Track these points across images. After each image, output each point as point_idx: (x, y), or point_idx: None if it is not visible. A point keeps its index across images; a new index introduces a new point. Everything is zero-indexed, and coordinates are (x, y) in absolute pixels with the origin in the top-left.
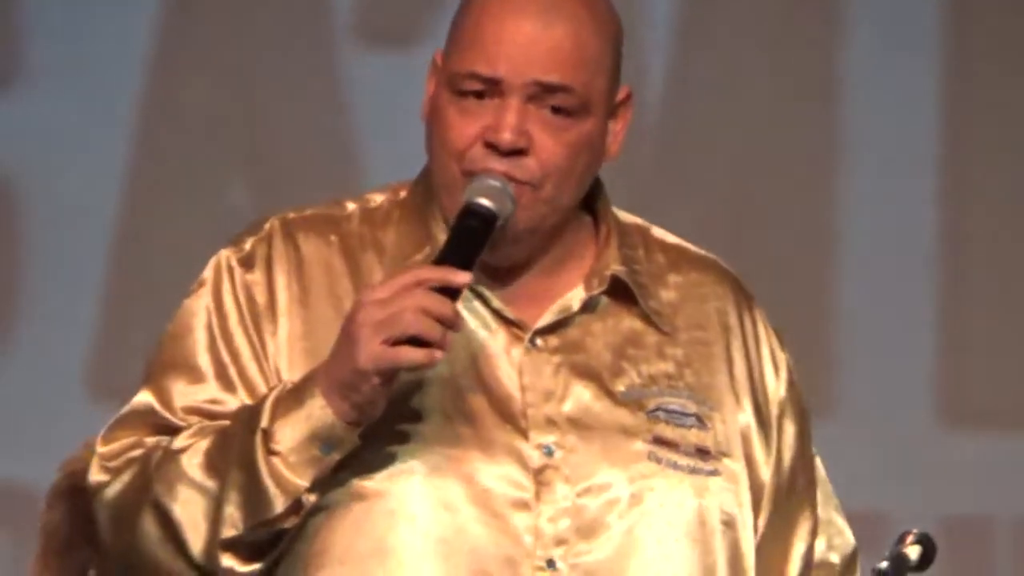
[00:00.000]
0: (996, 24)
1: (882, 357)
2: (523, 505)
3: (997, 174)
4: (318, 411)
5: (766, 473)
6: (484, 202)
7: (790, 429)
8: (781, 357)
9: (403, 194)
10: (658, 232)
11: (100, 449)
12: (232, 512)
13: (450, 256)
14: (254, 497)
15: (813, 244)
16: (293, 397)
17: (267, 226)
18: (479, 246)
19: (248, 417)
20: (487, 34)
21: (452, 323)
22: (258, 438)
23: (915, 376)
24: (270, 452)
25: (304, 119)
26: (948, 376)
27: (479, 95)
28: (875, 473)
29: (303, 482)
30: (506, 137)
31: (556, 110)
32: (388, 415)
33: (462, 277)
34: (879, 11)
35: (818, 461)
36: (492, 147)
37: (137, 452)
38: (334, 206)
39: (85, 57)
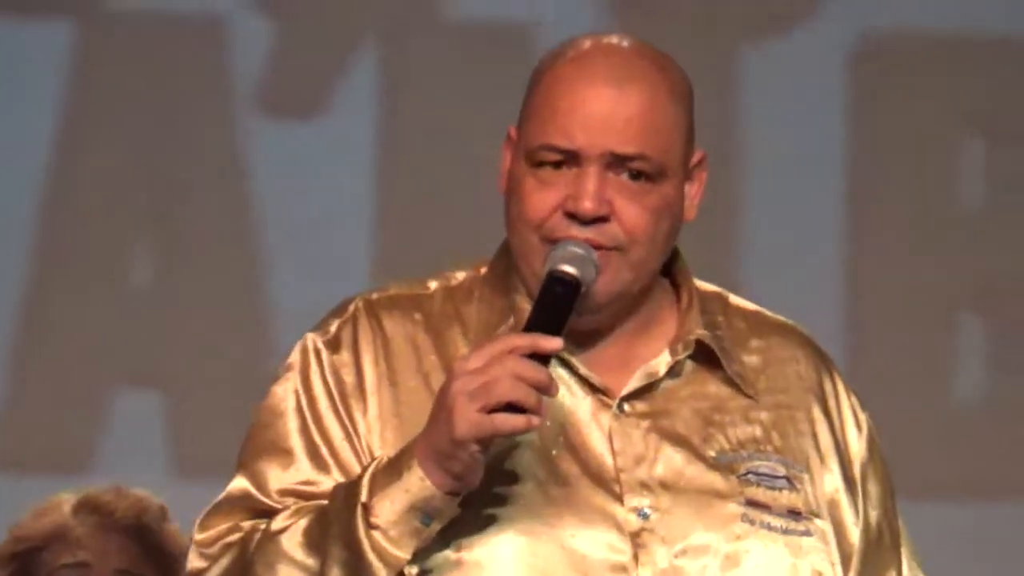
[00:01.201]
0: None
1: None
2: (621, 569)
3: (902, 243)
4: (417, 483)
5: (854, 534)
6: (568, 268)
7: (875, 489)
8: (862, 418)
9: (484, 270)
10: (735, 299)
11: (197, 536)
12: None
13: (539, 322)
14: (356, 572)
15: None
16: (391, 470)
17: (351, 307)
18: (566, 312)
19: (346, 493)
20: (561, 106)
21: (547, 388)
22: (358, 513)
23: None
24: (371, 527)
25: (207, 187)
26: None
27: (556, 165)
28: None
29: (405, 555)
30: (587, 206)
31: (634, 176)
32: (482, 482)
33: (554, 343)
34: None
35: (902, 524)
36: (573, 217)
37: (234, 536)
38: (416, 285)
39: None
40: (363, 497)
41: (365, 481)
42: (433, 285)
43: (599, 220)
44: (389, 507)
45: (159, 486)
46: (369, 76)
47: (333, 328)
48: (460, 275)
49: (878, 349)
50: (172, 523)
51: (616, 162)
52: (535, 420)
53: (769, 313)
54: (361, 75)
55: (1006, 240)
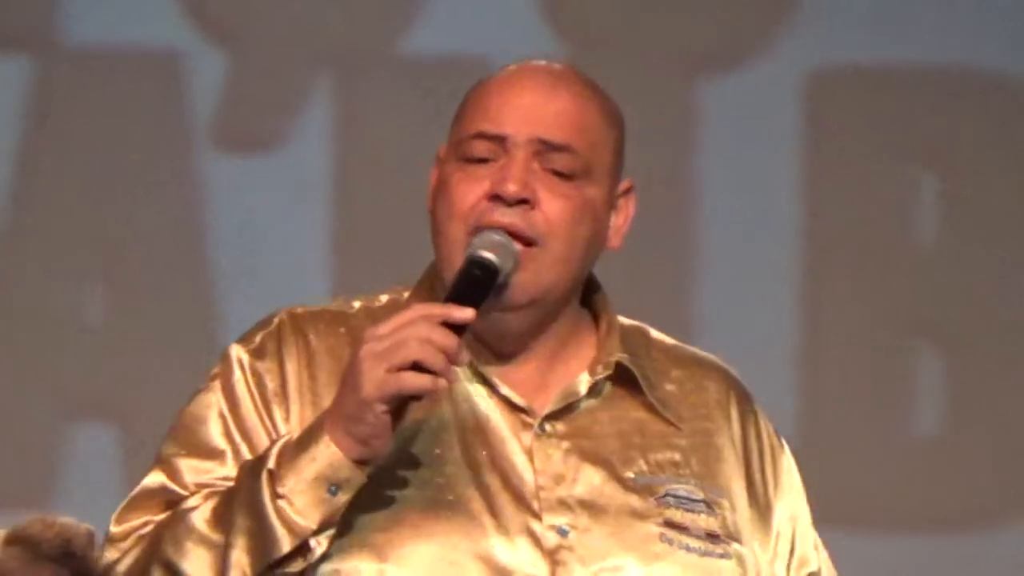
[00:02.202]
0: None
1: None
2: None
3: (858, 277)
4: (323, 450)
5: (765, 565)
6: (486, 254)
7: (792, 522)
8: (779, 452)
9: (407, 294)
10: (656, 333)
11: (113, 530)
12: (239, 556)
13: (453, 298)
14: (261, 539)
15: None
16: (299, 441)
17: (276, 320)
18: (482, 294)
19: (254, 464)
20: (492, 100)
21: (454, 354)
22: (264, 481)
23: None
24: (277, 495)
25: (161, 221)
26: (808, 474)
27: (484, 160)
28: None
29: (310, 524)
30: (511, 188)
31: (559, 174)
32: (402, 495)
33: (465, 312)
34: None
35: (825, 555)
36: (498, 199)
37: (147, 529)
38: (342, 304)
39: None
40: (270, 464)
41: (274, 451)
42: (357, 304)
43: (523, 203)
44: (295, 475)
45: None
46: (324, 109)
47: (258, 339)
48: (384, 297)
49: (835, 382)
50: (99, 548)
51: (543, 151)
52: (441, 382)
53: (689, 347)
54: (317, 108)
55: (962, 272)
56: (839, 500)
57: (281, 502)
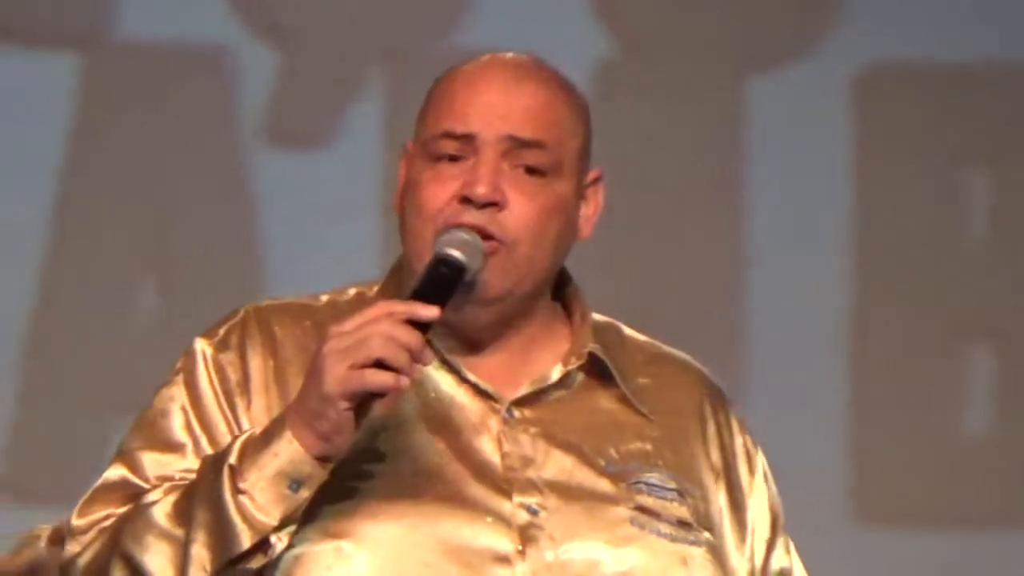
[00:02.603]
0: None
1: (792, 458)
2: (505, 560)
3: (907, 276)
4: (285, 446)
5: (737, 559)
6: (453, 252)
7: (765, 520)
8: (754, 451)
9: (375, 288)
10: (629, 331)
11: (74, 523)
12: (199, 552)
13: (418, 295)
14: (221, 534)
15: (720, 339)
16: (261, 437)
17: (241, 313)
18: (448, 292)
19: (215, 459)
20: (459, 97)
21: (418, 352)
22: (225, 476)
23: (826, 474)
24: (238, 491)
25: (212, 217)
26: (859, 473)
27: (453, 159)
28: None
29: (271, 520)
30: (480, 191)
31: (530, 171)
32: (365, 477)
33: (430, 311)
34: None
35: (796, 557)
36: (467, 201)
37: (109, 522)
38: (309, 298)
39: None
40: (232, 459)
41: (236, 447)
42: (324, 298)
43: (491, 205)
44: (256, 471)
45: None
46: (375, 104)
47: (222, 331)
48: (351, 291)
49: (885, 381)
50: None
51: (512, 148)
52: (404, 380)
53: (662, 344)
54: (367, 104)
55: (1013, 271)
56: (889, 500)
57: (242, 497)
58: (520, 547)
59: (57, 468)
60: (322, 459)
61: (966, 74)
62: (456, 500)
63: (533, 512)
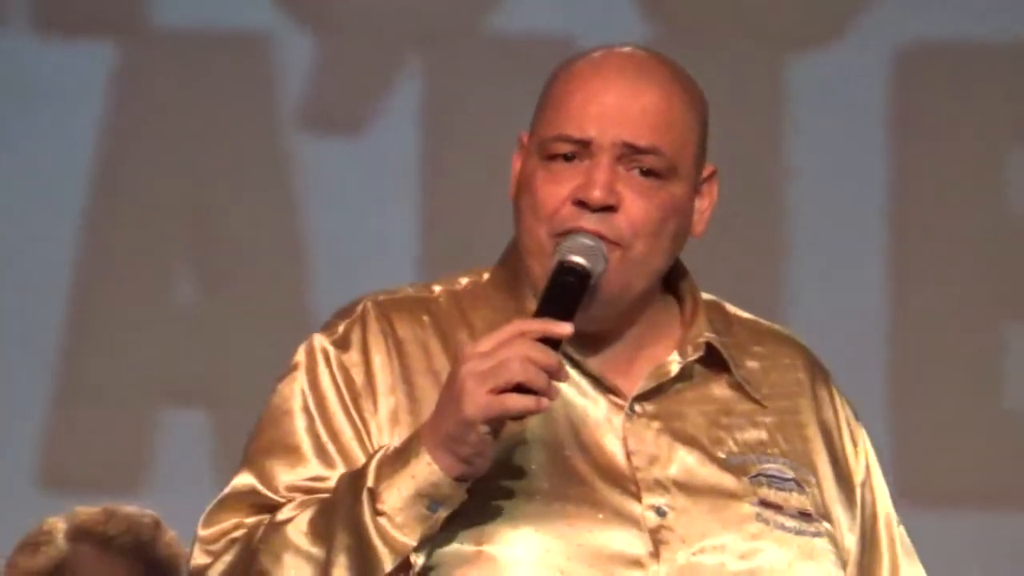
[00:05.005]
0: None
1: None
2: (638, 563)
3: (946, 253)
4: (424, 468)
5: (850, 540)
6: (578, 259)
7: (872, 497)
8: (858, 430)
9: (486, 276)
10: (732, 308)
11: (201, 532)
12: (341, 574)
13: (548, 310)
14: (362, 558)
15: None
16: (397, 457)
17: (359, 308)
18: (576, 301)
19: (352, 480)
20: (576, 99)
21: (556, 372)
22: (364, 499)
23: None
24: (377, 512)
25: (251, 203)
26: (904, 455)
27: (568, 158)
28: None
29: (411, 541)
30: (596, 194)
31: (645, 172)
32: (496, 480)
33: (564, 328)
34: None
35: (903, 529)
36: (582, 205)
37: (239, 532)
38: (422, 289)
39: (33, 155)
40: (369, 482)
41: (372, 468)
42: (437, 289)
43: (607, 209)
44: (396, 493)
45: (206, 503)
46: (413, 90)
47: (341, 328)
48: (464, 280)
49: (925, 358)
50: (167, 532)
51: (628, 154)
52: (545, 402)
53: (765, 322)
54: (405, 89)
55: None
56: (927, 477)
57: (382, 519)
58: (652, 549)
59: (101, 459)
60: (461, 479)
61: (1004, 52)
62: (587, 503)
63: (662, 514)
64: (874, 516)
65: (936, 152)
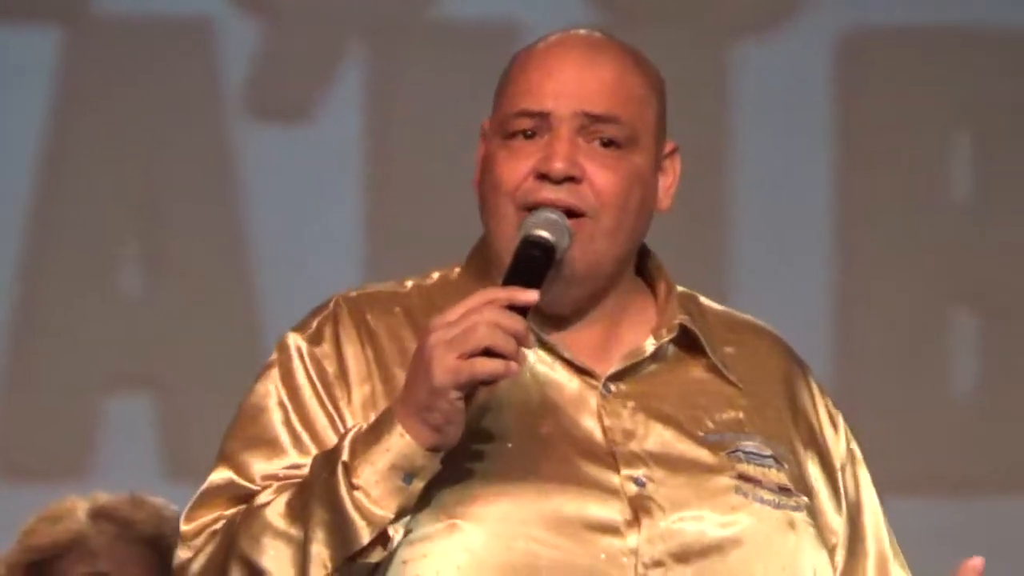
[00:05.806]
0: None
1: None
2: (616, 531)
3: (892, 238)
4: (397, 440)
5: (837, 522)
6: (542, 233)
7: (854, 481)
8: (838, 418)
9: (457, 270)
10: (705, 300)
11: (183, 528)
12: (319, 550)
13: (514, 281)
14: (340, 532)
15: None
16: (371, 432)
17: (331, 304)
18: (541, 273)
19: (327, 457)
20: (533, 76)
21: (523, 337)
22: (339, 474)
23: None
24: (353, 487)
25: (194, 190)
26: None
27: (528, 135)
28: None
29: (388, 513)
30: (557, 166)
31: (606, 144)
32: (471, 453)
33: (530, 295)
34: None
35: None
36: (544, 177)
37: (219, 525)
38: (394, 285)
39: None
40: (344, 457)
41: (346, 443)
42: (409, 284)
43: (570, 180)
44: (370, 467)
45: (152, 487)
46: (357, 77)
47: (314, 324)
48: (435, 275)
49: (872, 345)
50: None
51: (588, 125)
52: (513, 366)
53: (738, 313)
54: (349, 76)
55: (997, 233)
56: (873, 463)
57: (357, 493)
58: (631, 517)
59: (47, 444)
60: (434, 450)
61: (949, 36)
62: (564, 476)
63: (640, 484)
64: (858, 506)
65: (881, 137)
